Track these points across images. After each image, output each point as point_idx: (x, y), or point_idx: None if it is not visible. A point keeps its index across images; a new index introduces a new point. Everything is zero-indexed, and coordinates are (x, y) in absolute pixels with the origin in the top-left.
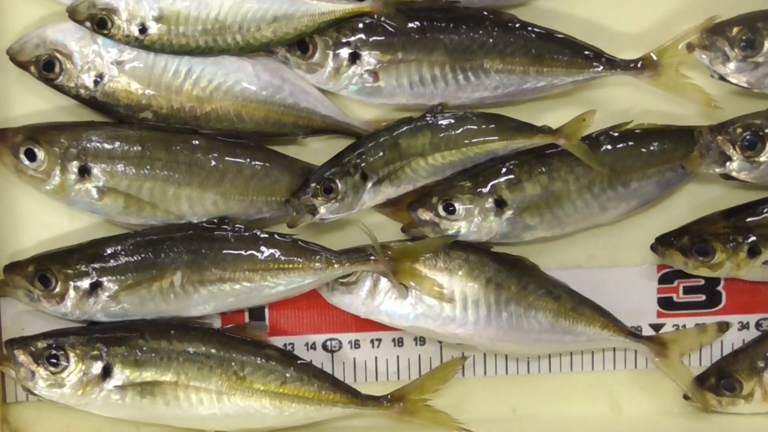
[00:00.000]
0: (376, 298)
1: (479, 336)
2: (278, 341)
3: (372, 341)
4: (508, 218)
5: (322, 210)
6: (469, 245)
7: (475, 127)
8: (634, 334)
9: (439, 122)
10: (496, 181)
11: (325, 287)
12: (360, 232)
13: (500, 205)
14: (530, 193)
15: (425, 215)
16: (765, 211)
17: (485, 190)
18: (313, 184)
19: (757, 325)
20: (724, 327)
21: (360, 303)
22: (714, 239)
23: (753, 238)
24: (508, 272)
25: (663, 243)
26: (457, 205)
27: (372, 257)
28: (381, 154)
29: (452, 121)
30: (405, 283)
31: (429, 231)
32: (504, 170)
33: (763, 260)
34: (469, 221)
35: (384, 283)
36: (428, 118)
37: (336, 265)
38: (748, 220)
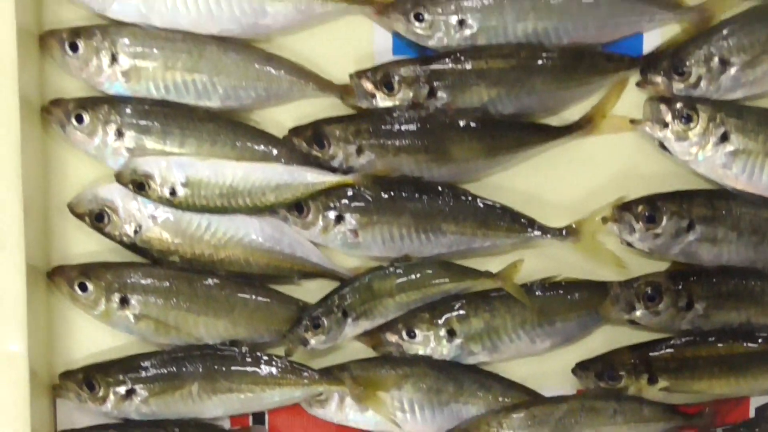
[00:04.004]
0: (344, 410)
1: (428, 430)
2: None
3: None
4: (456, 344)
5: (313, 342)
6: (414, 359)
7: (431, 272)
8: None
9: (404, 269)
10: (449, 315)
11: (305, 402)
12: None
13: (451, 334)
14: (475, 327)
15: (391, 338)
16: (663, 348)
17: (440, 321)
18: (304, 322)
19: None
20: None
21: (332, 414)
22: (621, 368)
23: (651, 369)
24: (446, 377)
25: (581, 368)
26: (417, 332)
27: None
28: (358, 295)
29: (414, 267)
30: (368, 406)
31: (394, 350)
32: (456, 306)
33: (660, 387)
34: (426, 345)
35: (349, 399)
36: (395, 266)
37: (318, 384)
38: (649, 354)
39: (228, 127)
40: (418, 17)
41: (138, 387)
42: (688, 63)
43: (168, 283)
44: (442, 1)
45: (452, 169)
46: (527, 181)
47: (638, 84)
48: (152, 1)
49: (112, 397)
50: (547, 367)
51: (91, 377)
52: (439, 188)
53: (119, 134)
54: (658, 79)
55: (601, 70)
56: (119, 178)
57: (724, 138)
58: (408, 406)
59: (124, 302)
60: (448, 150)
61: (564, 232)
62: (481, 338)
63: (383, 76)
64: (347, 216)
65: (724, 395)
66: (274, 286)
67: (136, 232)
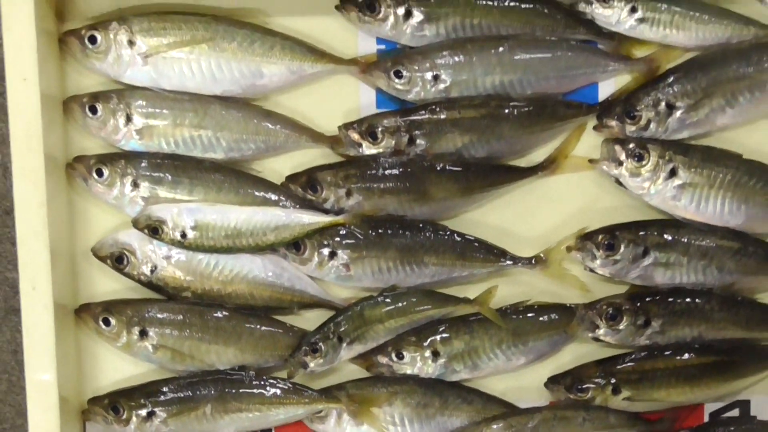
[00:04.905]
0: (342, 425)
1: None
2: None
3: None
4: (440, 364)
5: (312, 365)
6: (403, 377)
7: (416, 300)
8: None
9: (392, 298)
10: (434, 337)
11: (307, 419)
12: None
13: (435, 354)
14: (457, 347)
15: (382, 359)
16: (625, 362)
17: (425, 343)
18: (303, 347)
19: None
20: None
21: (331, 429)
22: (588, 381)
23: (615, 381)
24: (432, 393)
25: (553, 382)
26: (405, 353)
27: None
28: (351, 323)
29: (400, 296)
30: (363, 422)
31: (385, 370)
32: (439, 330)
33: (623, 397)
34: (413, 365)
35: (346, 415)
36: (384, 296)
37: (318, 402)
38: (613, 368)
39: (232, 176)
40: (398, 74)
41: (158, 409)
42: (638, 108)
43: (182, 316)
44: (419, 60)
45: (432, 207)
46: (499, 217)
47: (595, 128)
48: (161, 67)
49: (135, 419)
50: (522, 381)
51: (116, 402)
52: (421, 225)
53: (135, 185)
54: (613, 123)
55: (562, 117)
56: (136, 224)
57: (672, 173)
58: (399, 419)
59: (143, 334)
60: (427, 191)
61: (533, 261)
62: (462, 357)
63: (368, 127)
64: (340, 252)
65: (680, 403)
66: (277, 317)
67: (152, 271)
